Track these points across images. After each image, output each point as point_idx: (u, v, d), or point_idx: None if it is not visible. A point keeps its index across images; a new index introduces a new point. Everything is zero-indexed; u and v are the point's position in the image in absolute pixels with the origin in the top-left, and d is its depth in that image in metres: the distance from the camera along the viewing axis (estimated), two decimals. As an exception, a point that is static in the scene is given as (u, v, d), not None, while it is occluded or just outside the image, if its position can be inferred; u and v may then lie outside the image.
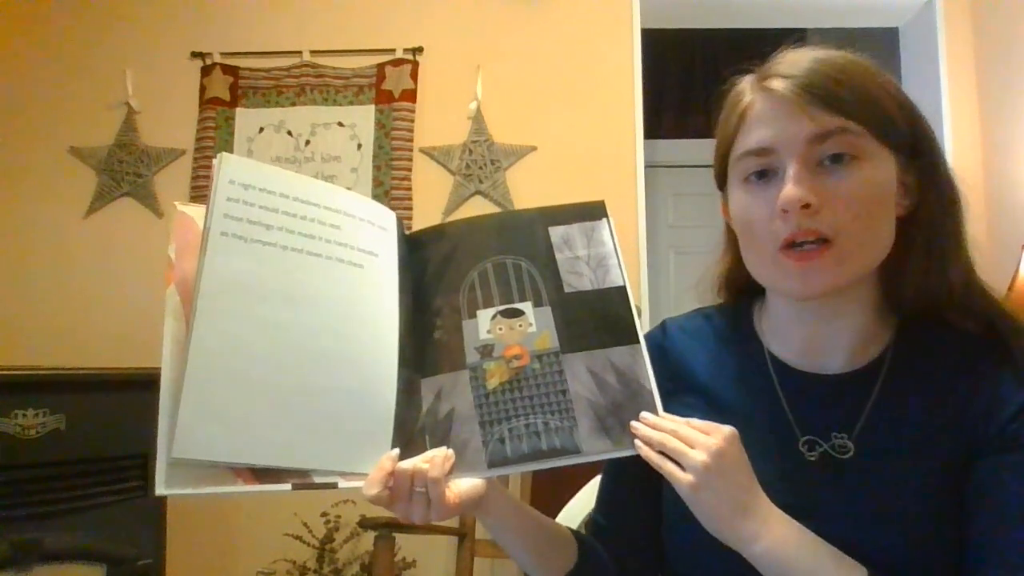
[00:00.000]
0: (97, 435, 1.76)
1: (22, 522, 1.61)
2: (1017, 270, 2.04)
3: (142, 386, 1.85)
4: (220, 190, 0.67)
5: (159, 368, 0.62)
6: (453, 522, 2.21)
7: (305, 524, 2.26)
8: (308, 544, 2.25)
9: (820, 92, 0.66)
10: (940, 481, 0.68)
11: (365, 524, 1.90)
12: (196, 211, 0.69)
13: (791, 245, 0.67)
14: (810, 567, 0.64)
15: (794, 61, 0.69)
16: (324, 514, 2.27)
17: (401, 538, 2.02)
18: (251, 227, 0.67)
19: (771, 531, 0.65)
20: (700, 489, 0.63)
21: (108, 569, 1.75)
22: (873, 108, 0.67)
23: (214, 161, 0.69)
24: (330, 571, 2.25)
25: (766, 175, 0.70)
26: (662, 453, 0.65)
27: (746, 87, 0.73)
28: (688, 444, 0.64)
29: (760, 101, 0.70)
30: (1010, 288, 2.02)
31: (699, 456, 0.63)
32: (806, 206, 0.65)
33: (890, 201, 0.68)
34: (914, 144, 0.70)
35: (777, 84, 0.68)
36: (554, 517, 0.83)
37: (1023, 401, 0.67)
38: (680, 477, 0.64)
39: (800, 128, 0.66)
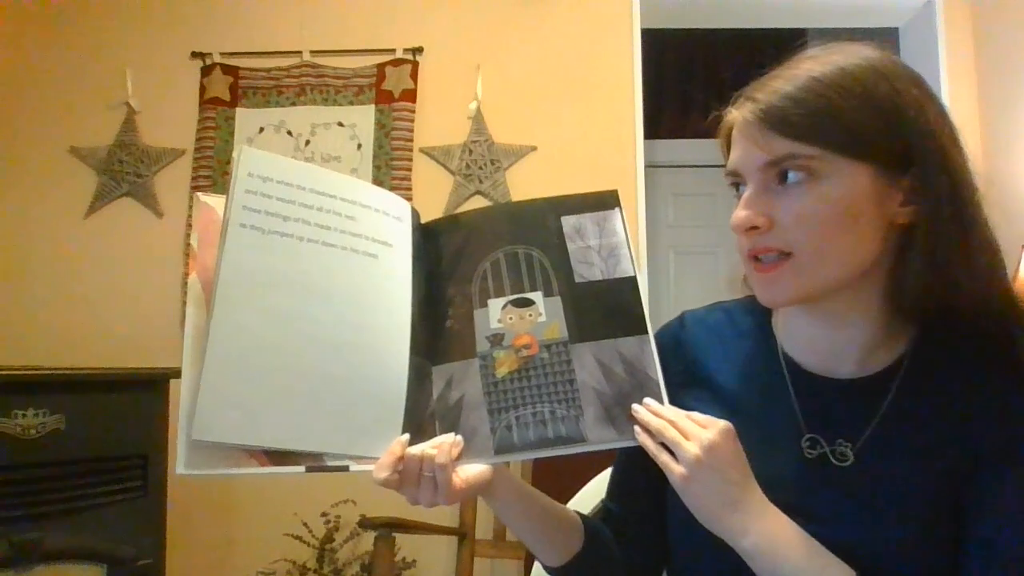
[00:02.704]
0: (97, 435, 1.76)
1: (22, 522, 1.61)
2: (1017, 270, 2.04)
3: (142, 386, 1.85)
4: (239, 182, 0.69)
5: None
6: (453, 522, 2.21)
7: (305, 524, 2.26)
8: (308, 544, 2.25)
9: (774, 119, 0.67)
10: (940, 487, 0.68)
11: (365, 524, 1.90)
12: (218, 202, 0.71)
13: (756, 257, 0.70)
14: (798, 564, 0.65)
15: (770, 84, 0.70)
16: (324, 514, 2.27)
17: (401, 538, 2.02)
18: (269, 218, 0.69)
19: (761, 527, 0.66)
20: (691, 482, 0.65)
21: (108, 569, 1.75)
22: (835, 126, 0.66)
23: (234, 154, 0.71)
24: (330, 571, 2.24)
25: (740, 190, 0.73)
26: (662, 444, 0.67)
27: (734, 105, 0.74)
28: (684, 436, 0.66)
29: (736, 124, 0.72)
30: (1010, 288, 2.02)
31: (692, 449, 0.65)
32: (753, 228, 0.69)
33: (858, 214, 0.67)
34: (907, 152, 0.67)
35: (743, 109, 0.70)
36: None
37: None
38: (673, 468, 0.66)
39: (755, 155, 0.69)
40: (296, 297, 0.69)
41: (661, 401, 0.69)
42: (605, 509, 0.88)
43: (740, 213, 0.70)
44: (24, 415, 1.63)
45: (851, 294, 0.71)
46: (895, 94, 0.67)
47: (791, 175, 0.67)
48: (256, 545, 2.35)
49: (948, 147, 0.68)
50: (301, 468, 0.65)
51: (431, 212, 0.82)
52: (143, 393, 1.84)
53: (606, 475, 0.93)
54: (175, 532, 1.96)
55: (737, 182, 0.73)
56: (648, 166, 2.71)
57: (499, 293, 0.75)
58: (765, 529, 0.66)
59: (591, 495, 1.04)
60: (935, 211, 0.67)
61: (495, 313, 0.74)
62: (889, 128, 0.66)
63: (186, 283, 0.69)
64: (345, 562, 2.29)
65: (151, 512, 1.86)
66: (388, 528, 1.89)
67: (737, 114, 0.71)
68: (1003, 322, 0.70)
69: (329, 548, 2.25)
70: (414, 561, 2.29)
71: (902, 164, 0.67)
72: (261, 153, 0.71)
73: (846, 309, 0.73)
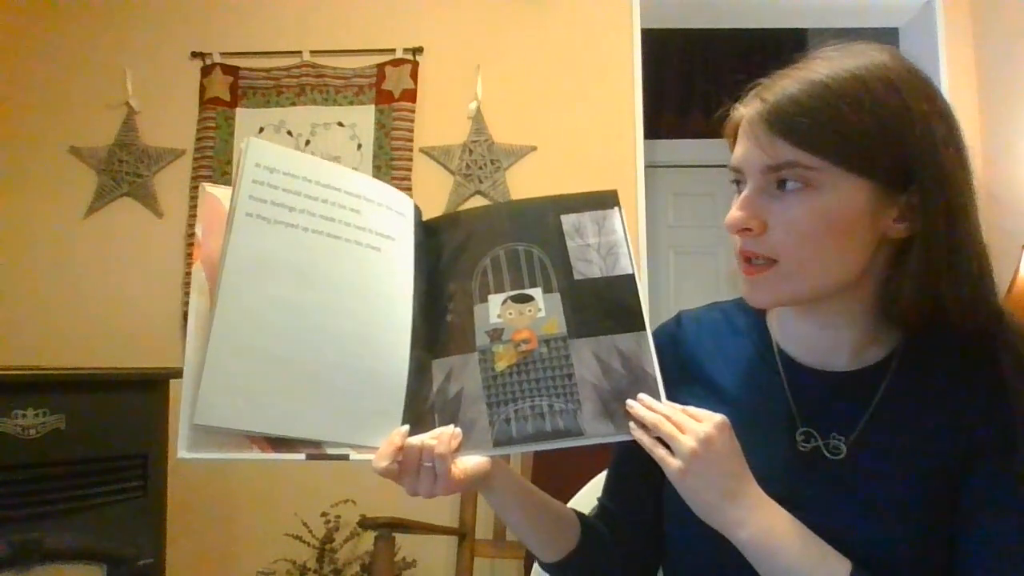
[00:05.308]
0: (97, 435, 1.76)
1: (22, 522, 1.61)
2: (1017, 270, 2.04)
3: (142, 386, 1.85)
4: (246, 172, 0.70)
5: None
6: (453, 522, 2.21)
7: (305, 524, 2.26)
8: (308, 544, 2.25)
9: (782, 123, 0.67)
10: (932, 482, 0.69)
11: (365, 524, 1.90)
12: (223, 192, 0.72)
13: (747, 258, 0.71)
14: (794, 557, 0.66)
15: (780, 83, 0.69)
16: (324, 514, 2.27)
17: (401, 538, 2.02)
18: (275, 209, 0.70)
19: (758, 519, 0.67)
20: (687, 475, 0.66)
21: (108, 569, 1.75)
22: (840, 139, 0.65)
23: (241, 144, 0.72)
24: (330, 571, 2.24)
25: (740, 186, 0.73)
26: (658, 439, 0.67)
27: (743, 101, 0.74)
28: (680, 429, 0.66)
29: (744, 119, 0.72)
30: (1010, 288, 2.02)
31: (688, 442, 0.65)
32: (746, 230, 0.69)
33: (850, 228, 0.67)
34: (908, 170, 0.67)
35: (753, 107, 0.70)
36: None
37: (1018, 405, 0.68)
38: (669, 462, 0.66)
39: (757, 157, 0.69)
40: (300, 286, 0.70)
41: (658, 397, 0.69)
42: (601, 506, 0.89)
43: (735, 214, 0.70)
44: (24, 415, 1.63)
45: (840, 300, 0.72)
46: (904, 109, 0.66)
47: (789, 183, 0.67)
48: (256, 545, 2.35)
49: (951, 166, 0.67)
50: (301, 456, 0.66)
51: (431, 212, 0.83)
52: (143, 393, 1.84)
53: (604, 476, 0.93)
54: (175, 532, 1.96)
55: (738, 179, 0.73)
56: (648, 166, 2.71)
57: (499, 289, 0.75)
58: (762, 521, 0.67)
59: (592, 494, 1.04)
60: (930, 230, 0.67)
61: (495, 308, 0.75)
62: (894, 146, 0.66)
63: (187, 283, 0.70)
64: (345, 562, 2.29)
65: (151, 512, 1.86)
66: (388, 528, 1.89)
67: (745, 111, 0.71)
68: (986, 333, 0.70)
69: (329, 548, 2.25)
70: (414, 561, 2.29)
71: (902, 181, 0.67)
72: (268, 144, 0.72)
73: (835, 313, 0.74)
